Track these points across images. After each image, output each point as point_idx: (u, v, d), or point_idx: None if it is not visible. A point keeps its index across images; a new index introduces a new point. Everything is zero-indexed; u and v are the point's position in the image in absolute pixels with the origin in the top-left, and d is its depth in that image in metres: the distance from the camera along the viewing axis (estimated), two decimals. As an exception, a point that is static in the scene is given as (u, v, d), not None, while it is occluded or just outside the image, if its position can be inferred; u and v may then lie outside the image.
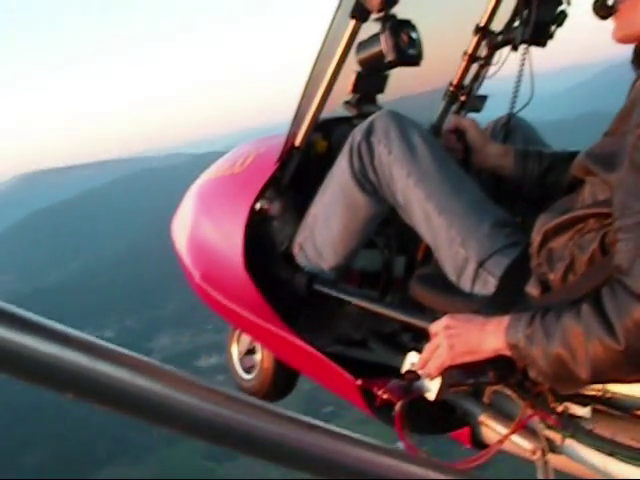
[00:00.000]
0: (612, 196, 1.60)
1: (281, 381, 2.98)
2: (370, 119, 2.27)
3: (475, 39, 2.87)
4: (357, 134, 2.27)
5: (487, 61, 2.94)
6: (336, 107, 2.60)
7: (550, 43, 2.68)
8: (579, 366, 1.53)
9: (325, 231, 2.38)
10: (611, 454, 1.69)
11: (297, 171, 2.51)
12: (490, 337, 1.70)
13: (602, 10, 1.71)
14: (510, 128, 2.63)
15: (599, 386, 1.73)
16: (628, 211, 1.52)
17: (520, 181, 2.33)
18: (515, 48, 2.70)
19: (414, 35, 2.31)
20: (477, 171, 2.41)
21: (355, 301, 2.40)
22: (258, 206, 2.51)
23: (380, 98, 2.63)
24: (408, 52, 2.28)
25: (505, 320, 1.68)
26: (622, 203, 1.55)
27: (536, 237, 1.83)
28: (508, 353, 1.68)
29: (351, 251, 2.40)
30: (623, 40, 1.73)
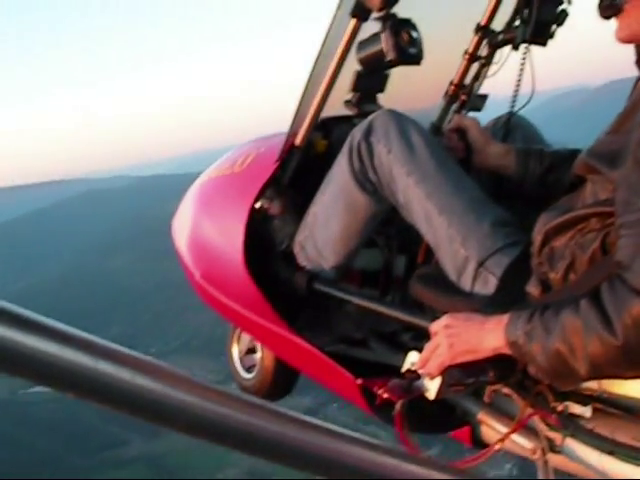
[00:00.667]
0: (615, 193, 1.61)
1: (281, 380, 2.98)
2: (370, 118, 2.27)
3: (476, 38, 2.87)
4: (357, 133, 2.27)
5: (488, 60, 2.94)
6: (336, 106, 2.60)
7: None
8: (578, 361, 1.53)
9: (325, 230, 2.38)
10: (611, 453, 1.69)
11: (297, 170, 2.51)
12: (490, 335, 1.71)
13: (608, 10, 1.71)
14: (510, 127, 2.62)
15: (599, 385, 1.73)
16: (631, 208, 1.52)
17: (521, 180, 2.33)
18: (516, 47, 2.70)
19: (414, 34, 2.31)
20: (478, 170, 2.41)
21: (355, 300, 2.40)
22: (258, 205, 2.51)
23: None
24: (408, 51, 2.28)
25: (504, 318, 1.69)
26: (625, 200, 1.55)
27: (537, 236, 1.83)
28: (508, 351, 1.68)
29: (351, 250, 2.40)
30: (627, 39, 1.73)
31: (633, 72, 1.79)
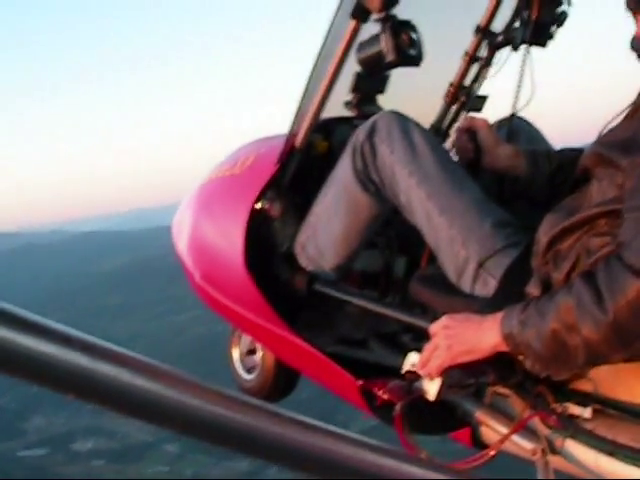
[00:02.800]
0: (624, 183, 1.62)
1: (282, 381, 2.98)
2: (373, 119, 2.27)
3: (476, 39, 2.87)
4: (360, 134, 2.27)
5: (488, 61, 2.94)
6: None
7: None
8: (574, 340, 1.54)
9: (327, 231, 2.38)
10: (611, 454, 1.69)
11: (297, 172, 2.51)
12: (487, 334, 1.71)
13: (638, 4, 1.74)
14: (513, 128, 2.62)
15: (599, 386, 1.73)
16: (637, 194, 1.56)
17: (530, 181, 2.33)
18: (515, 48, 2.70)
19: (414, 36, 2.31)
20: (486, 171, 2.40)
21: (355, 301, 2.40)
22: (259, 206, 2.51)
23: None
24: (408, 52, 2.28)
25: (501, 314, 1.70)
26: (633, 187, 1.59)
27: (543, 238, 1.83)
28: (504, 347, 1.69)
29: (353, 251, 2.40)
30: None
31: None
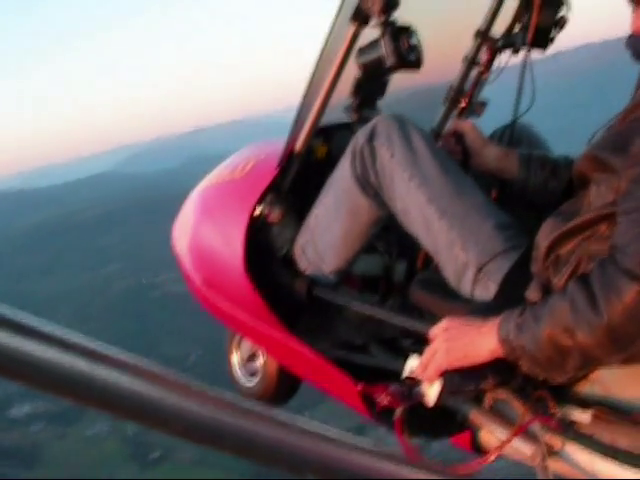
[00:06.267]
0: (619, 186, 1.63)
1: (284, 386, 2.97)
2: (373, 122, 2.27)
3: (476, 44, 2.88)
4: (360, 137, 2.27)
5: (488, 66, 2.94)
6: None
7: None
8: (568, 342, 1.55)
9: (327, 234, 2.38)
10: (611, 458, 1.69)
11: (297, 176, 2.51)
12: (485, 338, 1.72)
13: None
14: (515, 133, 2.63)
15: (599, 390, 1.73)
16: (630, 196, 1.57)
17: (524, 185, 2.33)
18: (516, 53, 2.71)
19: (414, 40, 2.32)
20: (477, 174, 2.40)
21: (355, 306, 2.40)
22: (258, 211, 2.51)
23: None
24: (408, 57, 2.28)
25: (499, 318, 1.70)
26: (627, 190, 1.59)
27: (543, 243, 1.83)
28: (501, 352, 1.69)
29: (353, 255, 2.40)
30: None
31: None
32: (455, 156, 2.40)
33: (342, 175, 2.32)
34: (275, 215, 2.50)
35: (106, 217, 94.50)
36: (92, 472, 41.59)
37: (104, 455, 43.66)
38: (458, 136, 2.45)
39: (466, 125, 2.48)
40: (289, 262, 2.50)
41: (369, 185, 2.25)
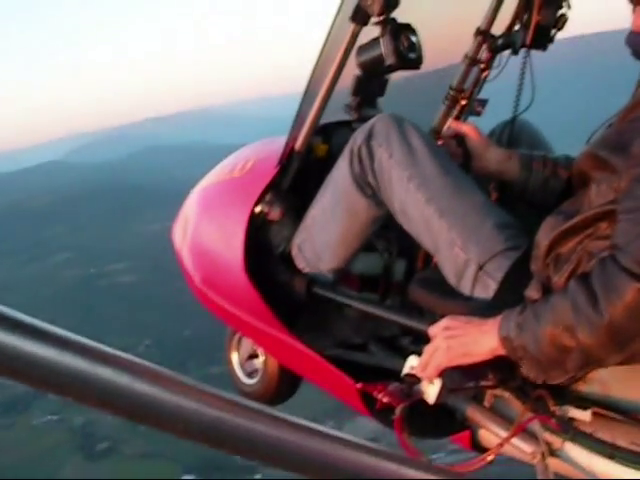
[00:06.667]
0: (619, 185, 1.63)
1: (285, 385, 2.97)
2: (371, 122, 2.27)
3: (476, 43, 2.87)
4: (358, 137, 2.27)
5: (488, 65, 2.94)
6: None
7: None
8: (569, 342, 1.55)
9: (324, 234, 2.38)
10: (611, 457, 1.69)
11: (297, 175, 2.51)
12: (486, 337, 1.72)
13: None
14: (515, 131, 2.62)
15: (599, 389, 1.73)
16: (630, 196, 1.57)
17: (524, 186, 2.32)
18: (516, 52, 2.71)
19: (414, 39, 2.32)
20: (477, 176, 2.40)
21: (355, 304, 2.40)
22: (258, 210, 2.52)
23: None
24: (408, 56, 2.28)
25: (499, 317, 1.70)
26: (627, 189, 1.60)
27: (543, 241, 1.83)
28: (502, 351, 1.69)
29: (350, 254, 2.40)
30: None
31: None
32: (456, 159, 2.39)
33: (340, 175, 2.32)
34: (275, 213, 2.50)
35: (55, 206, 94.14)
36: (39, 462, 41.49)
37: (51, 445, 43.64)
38: (459, 138, 2.43)
39: (468, 127, 2.46)
40: (287, 260, 2.50)
41: (367, 185, 2.25)
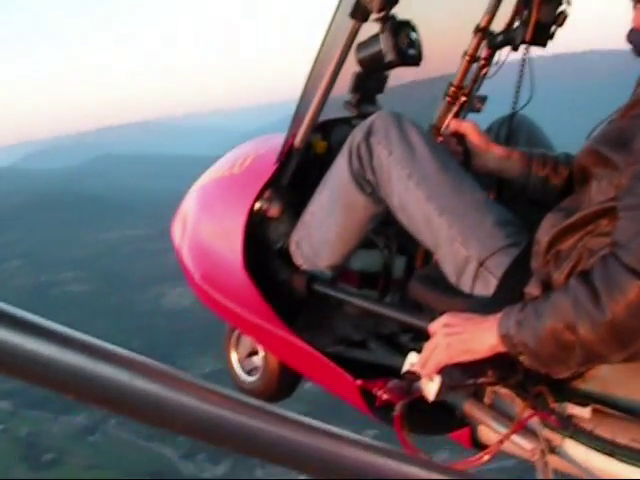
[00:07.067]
0: (619, 182, 1.63)
1: (285, 383, 2.96)
2: (370, 119, 2.26)
3: (475, 39, 2.87)
4: (357, 134, 2.26)
5: (487, 62, 2.94)
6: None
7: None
8: (570, 338, 1.55)
9: (322, 230, 2.38)
10: (611, 454, 1.69)
11: (296, 171, 2.51)
12: (486, 334, 1.71)
13: None
14: (513, 127, 2.62)
15: (599, 386, 1.73)
16: (631, 193, 1.57)
17: (524, 184, 2.32)
18: (515, 49, 2.70)
19: (414, 35, 2.31)
20: (478, 174, 2.39)
21: (355, 301, 2.40)
22: (257, 206, 2.51)
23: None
24: (408, 52, 2.28)
25: (499, 314, 1.70)
26: (628, 186, 1.59)
27: (544, 238, 1.83)
28: (502, 348, 1.69)
29: (347, 251, 2.40)
30: None
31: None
32: (456, 157, 2.38)
33: (338, 172, 2.31)
34: (274, 210, 2.50)
35: (5, 213, 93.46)
36: (-19, 471, 41.09)
37: (-5, 455, 43.03)
38: (459, 137, 2.42)
39: (468, 126, 2.44)
40: (285, 256, 2.49)
41: (366, 182, 2.25)
